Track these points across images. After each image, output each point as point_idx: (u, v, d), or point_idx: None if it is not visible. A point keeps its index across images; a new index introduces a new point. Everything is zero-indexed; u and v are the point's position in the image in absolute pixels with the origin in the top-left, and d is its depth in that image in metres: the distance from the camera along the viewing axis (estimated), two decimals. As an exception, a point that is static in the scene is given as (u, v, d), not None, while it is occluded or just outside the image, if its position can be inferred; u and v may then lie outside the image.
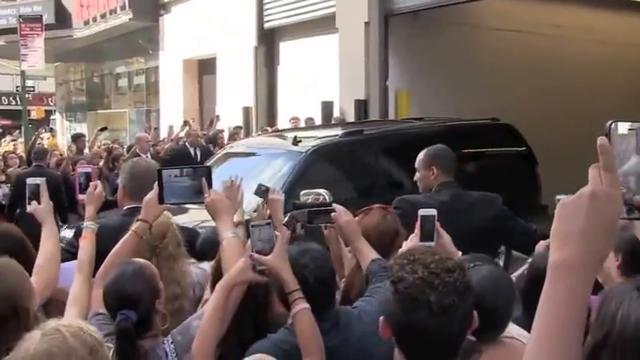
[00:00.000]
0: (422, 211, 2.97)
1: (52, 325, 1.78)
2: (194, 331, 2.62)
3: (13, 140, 23.64)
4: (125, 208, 3.85)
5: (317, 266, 2.64)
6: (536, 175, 8.43)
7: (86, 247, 3.06)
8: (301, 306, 2.53)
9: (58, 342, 1.70)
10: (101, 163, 10.75)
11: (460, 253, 2.87)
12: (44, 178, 3.48)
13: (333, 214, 3.14)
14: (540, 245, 3.27)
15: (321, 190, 5.99)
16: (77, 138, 14.40)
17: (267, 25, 15.36)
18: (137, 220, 3.00)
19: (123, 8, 19.65)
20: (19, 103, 31.49)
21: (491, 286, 2.32)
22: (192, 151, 11.23)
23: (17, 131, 28.61)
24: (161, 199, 2.97)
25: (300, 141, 7.20)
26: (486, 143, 8.13)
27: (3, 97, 44.24)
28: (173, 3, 19.28)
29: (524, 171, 8.40)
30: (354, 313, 2.74)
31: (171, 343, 2.63)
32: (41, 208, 3.24)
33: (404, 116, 11.40)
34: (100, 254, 3.00)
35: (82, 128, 25.24)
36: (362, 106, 11.62)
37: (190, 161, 10.07)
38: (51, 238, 3.22)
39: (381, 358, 2.37)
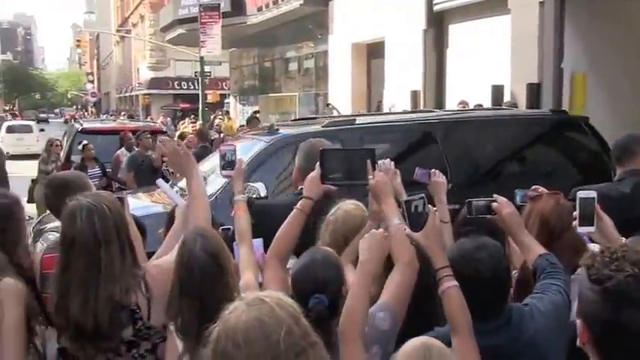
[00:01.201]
0: (580, 194, 2.89)
1: (254, 295, 1.82)
2: (379, 323, 2.60)
3: (192, 122, 25.13)
4: (300, 187, 4.00)
5: (493, 262, 2.62)
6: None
7: (242, 217, 3.29)
8: (450, 283, 2.54)
9: (266, 311, 1.73)
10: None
11: (623, 239, 2.77)
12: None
13: (494, 205, 3.11)
14: None
15: (256, 184, 5.73)
16: (250, 120, 15.23)
17: (436, 8, 15.28)
18: (301, 198, 3.10)
19: (294, -6, 20.30)
20: (196, 87, 33.54)
21: None
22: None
23: (192, 115, 30.53)
24: (323, 179, 3.07)
25: (277, 129, 7.04)
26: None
27: (183, 82, 47.38)
28: (341, -13, 19.64)
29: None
30: (527, 310, 2.71)
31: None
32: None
33: (580, 100, 11.09)
34: (274, 232, 3.11)
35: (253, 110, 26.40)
36: (534, 90, 11.35)
37: None
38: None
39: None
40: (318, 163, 3.10)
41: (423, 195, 2.77)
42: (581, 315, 1.79)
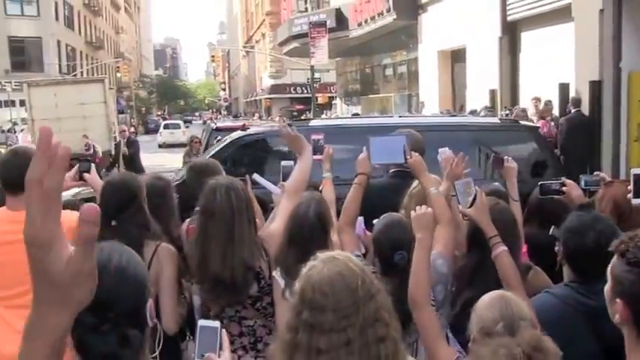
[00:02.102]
0: (634, 170, 2.89)
1: (326, 255, 1.82)
2: (440, 268, 2.78)
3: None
4: (391, 171, 4.24)
5: (610, 232, 2.41)
6: None
7: (330, 190, 3.55)
8: (501, 248, 2.62)
9: (343, 266, 1.72)
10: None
11: None
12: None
13: (564, 188, 3.21)
14: None
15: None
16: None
17: (509, 18, 15.08)
18: (357, 175, 3.26)
19: (388, 11, 20.31)
20: (309, 91, 34.09)
21: None
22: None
23: (306, 113, 31.10)
24: (370, 159, 3.28)
25: (247, 129, 7.14)
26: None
27: (298, 87, 48.06)
28: (430, 3, 19.52)
29: None
30: None
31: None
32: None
33: (637, 95, 10.74)
34: (372, 207, 3.27)
35: (357, 110, 26.68)
36: (596, 87, 11.09)
37: None
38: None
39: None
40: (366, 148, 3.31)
41: (470, 178, 2.94)
42: (620, 295, 1.73)
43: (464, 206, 2.83)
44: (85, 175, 3.58)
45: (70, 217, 3.14)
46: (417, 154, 3.19)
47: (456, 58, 19.08)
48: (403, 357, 1.78)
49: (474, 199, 2.77)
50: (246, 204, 2.99)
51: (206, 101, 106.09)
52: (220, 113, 71.35)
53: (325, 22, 24.35)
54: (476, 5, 16.13)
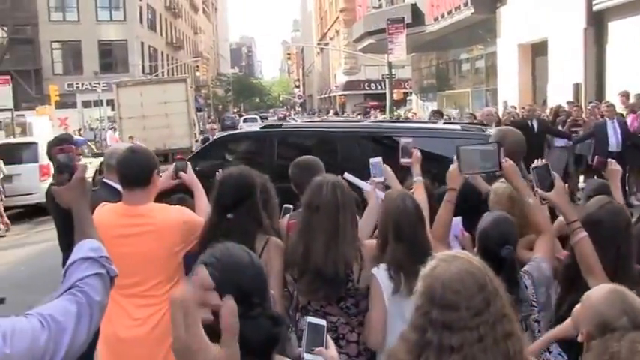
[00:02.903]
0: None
1: (446, 253, 1.83)
2: (545, 271, 2.79)
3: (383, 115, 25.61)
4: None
5: None
6: None
7: (422, 194, 3.46)
8: (581, 234, 2.61)
9: (467, 263, 1.72)
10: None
11: None
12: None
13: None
14: None
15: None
16: (434, 114, 15.32)
17: (595, 7, 14.42)
18: (448, 190, 3.15)
19: (466, 5, 19.94)
20: (383, 87, 33.88)
21: None
22: (529, 122, 11.05)
23: (378, 111, 30.94)
24: (460, 170, 3.12)
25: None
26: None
27: (372, 84, 48.00)
28: (509, -5, 19.05)
29: None
30: None
31: (528, 278, 2.75)
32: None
33: None
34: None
35: (433, 106, 26.30)
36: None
37: (528, 132, 9.69)
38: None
39: None
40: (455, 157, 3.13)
41: (547, 162, 2.88)
42: None
43: (543, 190, 2.79)
44: (182, 173, 3.63)
45: (181, 213, 3.23)
46: (510, 161, 3.07)
47: (537, 51, 18.45)
48: (526, 353, 1.77)
49: (551, 183, 2.77)
50: (350, 202, 3.04)
51: (280, 98, 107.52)
52: (294, 110, 72.14)
53: (403, 18, 24.18)
54: (559, -4, 15.52)
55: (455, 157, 3.15)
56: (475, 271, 1.69)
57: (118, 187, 3.78)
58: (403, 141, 3.81)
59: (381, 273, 2.91)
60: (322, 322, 1.87)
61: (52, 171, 3.21)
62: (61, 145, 3.93)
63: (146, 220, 3.16)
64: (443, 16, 21.90)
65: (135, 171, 3.22)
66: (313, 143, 7.14)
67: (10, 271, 7.55)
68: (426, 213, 3.21)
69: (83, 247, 1.81)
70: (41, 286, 7.97)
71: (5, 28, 42.03)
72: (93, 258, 1.77)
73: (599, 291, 2.07)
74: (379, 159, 3.69)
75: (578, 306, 2.15)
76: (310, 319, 1.89)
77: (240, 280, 1.55)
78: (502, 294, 1.71)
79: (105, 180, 4.26)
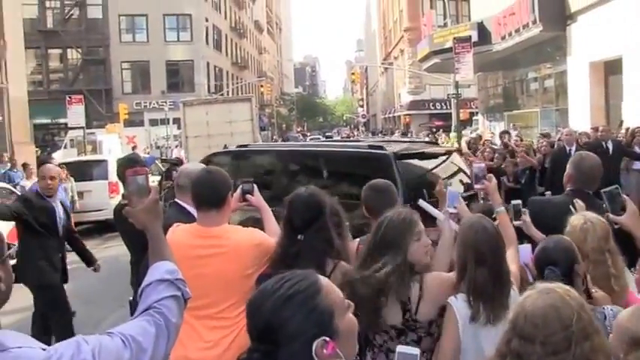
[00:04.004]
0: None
1: (545, 285, 1.80)
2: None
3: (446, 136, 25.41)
4: (568, 189, 4.14)
5: None
6: None
7: (507, 223, 3.40)
8: None
9: (559, 298, 1.69)
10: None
11: None
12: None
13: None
14: None
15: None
16: (503, 134, 14.97)
17: (674, 24, 13.96)
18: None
19: (534, 22, 19.62)
20: (448, 107, 33.65)
21: None
22: (604, 144, 10.79)
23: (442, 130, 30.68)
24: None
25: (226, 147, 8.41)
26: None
27: (437, 103, 47.71)
28: (580, 13, 18.60)
29: None
30: None
31: (611, 309, 2.64)
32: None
33: None
34: (545, 223, 3.38)
35: (499, 127, 25.88)
36: None
37: (603, 153, 9.39)
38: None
39: None
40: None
41: (617, 185, 2.89)
42: None
43: (614, 214, 2.80)
44: (248, 196, 3.63)
45: (254, 235, 3.25)
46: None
47: (611, 69, 17.91)
48: None
49: (624, 205, 2.77)
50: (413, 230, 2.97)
51: (344, 117, 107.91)
52: (358, 130, 72.30)
53: (470, 37, 23.95)
54: (634, 11, 15.08)
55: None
56: (563, 307, 1.66)
57: (189, 208, 3.86)
58: (475, 166, 3.73)
59: (458, 303, 2.83)
60: (415, 351, 1.89)
61: (121, 189, 3.34)
62: (131, 166, 4.08)
63: (220, 241, 3.16)
64: (510, 34, 21.59)
65: (211, 192, 3.24)
66: (258, 161, 8.09)
67: (79, 286, 7.82)
68: (514, 245, 3.24)
69: (160, 269, 1.87)
70: (109, 302, 8.23)
71: (79, 50, 44.14)
72: (169, 280, 1.83)
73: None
74: (456, 189, 3.68)
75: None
76: (400, 347, 1.93)
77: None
78: (597, 339, 1.67)
79: (177, 200, 4.27)
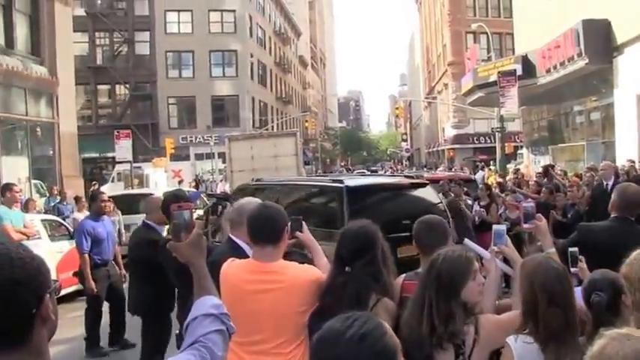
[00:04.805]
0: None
1: (616, 331, 1.69)
2: None
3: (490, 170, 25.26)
4: (612, 216, 4.43)
5: None
6: None
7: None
8: None
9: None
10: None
11: None
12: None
13: None
14: None
15: None
16: (546, 170, 14.75)
17: None
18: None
19: (579, 55, 19.54)
20: (492, 141, 33.44)
21: None
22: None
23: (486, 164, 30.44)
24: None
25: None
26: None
27: (481, 137, 47.42)
28: (627, 44, 18.44)
29: None
30: None
31: None
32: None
33: None
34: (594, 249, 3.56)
35: (545, 160, 25.61)
36: None
37: None
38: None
39: None
40: None
41: None
42: None
43: None
44: (297, 233, 3.62)
45: (310, 272, 3.29)
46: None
47: (658, 101, 17.68)
48: None
49: None
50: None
51: (388, 152, 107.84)
52: (402, 164, 72.21)
53: (515, 70, 23.97)
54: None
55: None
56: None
57: (242, 243, 3.87)
58: (525, 205, 3.65)
59: (517, 344, 2.67)
60: None
61: (167, 224, 3.36)
62: (177, 201, 4.18)
63: (276, 277, 3.16)
64: (555, 67, 21.48)
65: (267, 227, 3.24)
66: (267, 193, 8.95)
67: (129, 317, 7.99)
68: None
69: (205, 304, 1.92)
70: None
71: (127, 86, 45.68)
72: (215, 315, 1.89)
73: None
74: (504, 227, 3.51)
75: None
76: None
77: None
78: None
79: (230, 235, 4.17)
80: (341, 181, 7.78)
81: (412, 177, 9.52)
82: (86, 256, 7.99)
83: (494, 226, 3.49)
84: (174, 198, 4.89)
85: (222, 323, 1.89)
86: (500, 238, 3.36)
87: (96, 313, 8.12)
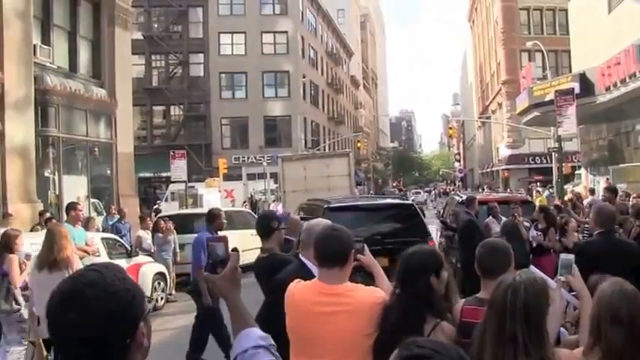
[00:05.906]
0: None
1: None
2: None
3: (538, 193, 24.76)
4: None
5: None
6: None
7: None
8: None
9: None
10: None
11: None
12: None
13: None
14: None
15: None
16: (610, 191, 13.87)
17: None
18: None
19: (641, 72, 19.16)
20: (548, 161, 32.80)
21: None
22: None
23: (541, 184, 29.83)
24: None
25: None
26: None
27: (537, 157, 46.59)
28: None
29: None
30: None
31: None
32: None
33: None
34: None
35: (604, 181, 24.99)
36: None
37: None
38: None
39: None
40: None
41: None
42: None
43: None
44: (359, 255, 3.60)
45: (377, 294, 3.27)
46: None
47: None
48: None
49: None
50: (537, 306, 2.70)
51: (440, 172, 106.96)
52: (455, 185, 71.47)
53: (573, 89, 23.46)
54: None
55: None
56: None
57: (310, 264, 3.88)
58: (563, 257, 3.41)
59: None
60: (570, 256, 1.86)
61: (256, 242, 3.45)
62: (270, 220, 4.90)
63: (343, 299, 3.15)
64: (615, 84, 21.06)
65: (335, 249, 3.25)
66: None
67: (177, 336, 8.04)
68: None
69: (251, 336, 1.94)
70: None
71: (181, 106, 46.83)
72: (264, 346, 1.91)
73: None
74: (572, 257, 3.39)
75: None
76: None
77: None
78: None
79: (300, 256, 4.19)
80: (328, 202, 9.62)
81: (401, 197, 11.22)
82: (202, 270, 7.82)
83: (562, 256, 3.40)
84: (267, 219, 5.31)
85: (272, 354, 1.91)
86: (566, 268, 3.28)
87: (209, 330, 8.12)
